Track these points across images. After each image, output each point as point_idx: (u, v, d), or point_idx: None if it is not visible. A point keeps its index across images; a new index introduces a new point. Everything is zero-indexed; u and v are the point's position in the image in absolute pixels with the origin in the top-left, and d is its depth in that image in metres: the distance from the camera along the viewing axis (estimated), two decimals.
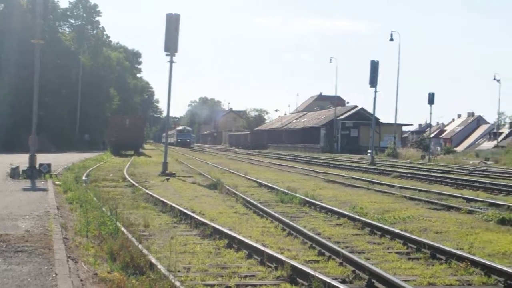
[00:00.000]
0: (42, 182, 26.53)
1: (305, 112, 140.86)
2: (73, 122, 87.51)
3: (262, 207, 19.31)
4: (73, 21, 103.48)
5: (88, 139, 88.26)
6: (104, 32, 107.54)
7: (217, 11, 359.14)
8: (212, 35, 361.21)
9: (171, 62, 37.38)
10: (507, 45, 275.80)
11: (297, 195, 22.50)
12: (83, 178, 29.19)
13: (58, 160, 43.03)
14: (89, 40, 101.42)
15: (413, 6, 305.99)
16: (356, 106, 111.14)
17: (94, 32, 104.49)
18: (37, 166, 29.75)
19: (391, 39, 79.37)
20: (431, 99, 67.86)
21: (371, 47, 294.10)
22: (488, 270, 10.72)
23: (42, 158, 33.89)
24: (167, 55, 37.29)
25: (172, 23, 36.83)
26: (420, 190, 26.69)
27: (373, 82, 56.96)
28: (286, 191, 23.90)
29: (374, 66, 56.99)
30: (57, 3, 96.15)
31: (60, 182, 26.33)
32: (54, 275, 9.29)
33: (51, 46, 76.52)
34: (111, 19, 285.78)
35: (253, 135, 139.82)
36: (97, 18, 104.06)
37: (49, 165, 30.71)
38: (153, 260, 10.49)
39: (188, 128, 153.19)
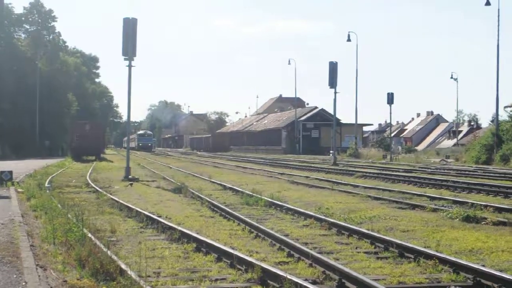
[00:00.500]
0: (4, 190, 26.19)
1: (265, 114, 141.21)
2: (33, 129, 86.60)
3: (228, 210, 19.29)
4: (28, 27, 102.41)
5: (49, 145, 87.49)
6: (61, 37, 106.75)
7: (175, 13, 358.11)
8: (170, 37, 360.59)
9: (130, 66, 37.18)
10: (463, 43, 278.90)
11: (263, 197, 22.50)
12: (46, 184, 28.90)
13: (19, 167, 42.57)
14: (45, 46, 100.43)
15: (370, 5, 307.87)
16: (316, 107, 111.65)
17: (50, 37, 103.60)
18: None
19: (349, 40, 79.95)
20: (390, 99, 68.36)
21: (329, 48, 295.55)
22: (457, 268, 10.79)
23: (2, 165, 33.63)
24: (125, 59, 37.11)
25: (130, 27, 36.71)
26: (384, 190, 26.90)
27: (332, 83, 57.35)
28: (251, 193, 23.90)
29: (333, 67, 57.33)
30: (12, 9, 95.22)
31: (22, 189, 26.01)
32: (24, 284, 9.18)
33: (7, 53, 75.83)
34: (67, 24, 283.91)
35: (214, 138, 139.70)
36: (52, 23, 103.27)
37: (10, 172, 30.32)
38: (123, 266, 10.41)
39: (149, 132, 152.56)
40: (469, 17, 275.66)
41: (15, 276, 9.69)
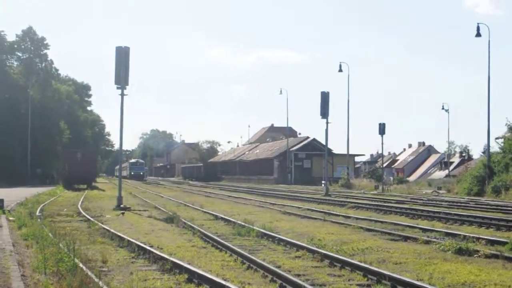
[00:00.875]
0: None
1: (257, 144, 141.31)
2: (24, 156, 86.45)
3: (220, 240, 19.23)
4: (20, 54, 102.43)
5: (40, 173, 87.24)
6: (53, 65, 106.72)
7: (167, 42, 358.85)
8: (161, 66, 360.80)
9: (122, 95, 37.12)
10: (454, 75, 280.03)
11: (254, 227, 22.41)
12: (37, 213, 28.84)
13: (10, 195, 42.42)
14: (37, 74, 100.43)
15: (360, 36, 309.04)
16: (308, 137, 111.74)
17: (43, 65, 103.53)
18: None
19: (340, 70, 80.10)
20: (382, 129, 68.41)
21: (320, 78, 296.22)
22: None
23: None
24: (118, 88, 37.09)
25: (122, 56, 36.76)
26: (376, 221, 26.86)
27: (324, 113, 57.39)
28: (243, 223, 23.83)
29: (325, 97, 57.43)
30: (4, 36, 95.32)
31: (13, 218, 25.90)
32: None
33: None
34: (59, 52, 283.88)
35: (206, 167, 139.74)
36: (45, 51, 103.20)
37: (1, 200, 30.25)
38: None
39: (141, 160, 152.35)
40: (461, 48, 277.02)
41: None
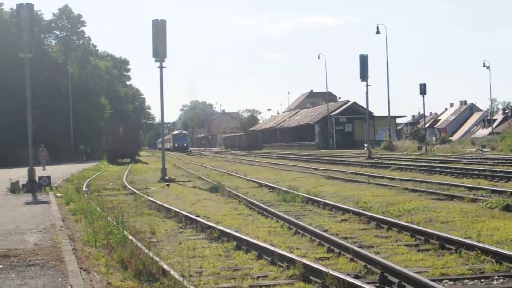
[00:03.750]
0: (44, 195, 26.48)
1: (297, 110, 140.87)
2: (67, 134, 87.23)
3: (266, 207, 19.33)
4: (58, 33, 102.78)
5: (84, 149, 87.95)
6: (90, 42, 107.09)
7: (203, 15, 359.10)
8: (198, 38, 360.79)
9: (161, 67, 37.36)
10: (494, 32, 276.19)
11: (299, 193, 22.50)
12: (84, 188, 29.22)
13: (56, 172, 42.93)
14: (76, 51, 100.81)
15: None
16: (348, 101, 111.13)
17: (80, 42, 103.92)
18: (36, 179, 29.66)
19: (378, 32, 79.53)
20: (423, 90, 67.84)
21: (357, 42, 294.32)
22: (499, 258, 10.73)
23: (40, 171, 33.92)
24: (156, 61, 37.28)
25: (159, 29, 36.84)
26: (421, 182, 26.79)
27: (363, 76, 56.95)
28: (288, 190, 23.92)
29: (364, 60, 56.96)
30: (41, 16, 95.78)
31: (61, 194, 26.25)
32: (69, 287, 9.28)
33: (38, 59, 76.17)
34: (96, 28, 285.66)
35: (247, 136, 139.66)
36: (82, 28, 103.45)
37: (48, 177, 30.62)
38: (165, 267, 10.46)
39: (184, 131, 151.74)
40: (501, 4, 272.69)
41: (60, 279, 9.79)
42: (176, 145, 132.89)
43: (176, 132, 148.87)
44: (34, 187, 28.67)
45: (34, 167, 29.90)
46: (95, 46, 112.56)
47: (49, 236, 14.33)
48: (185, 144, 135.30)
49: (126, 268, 10.85)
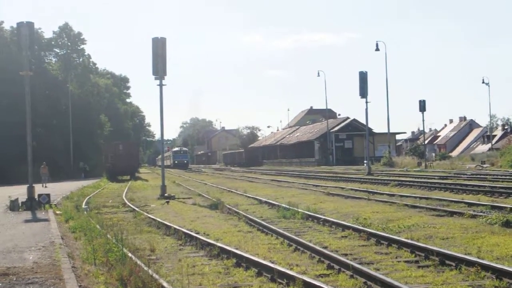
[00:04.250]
0: (43, 213, 26.46)
1: (297, 127, 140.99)
2: (67, 151, 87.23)
3: (266, 224, 19.32)
4: (58, 51, 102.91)
5: (83, 166, 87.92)
6: (90, 60, 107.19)
7: (203, 32, 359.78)
8: (198, 55, 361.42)
9: (161, 85, 37.43)
10: (493, 48, 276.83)
11: (299, 210, 22.52)
12: (83, 206, 29.19)
13: (56, 190, 42.91)
14: (75, 69, 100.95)
15: (396, 15, 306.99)
16: (348, 118, 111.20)
17: (80, 60, 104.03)
18: (36, 197, 29.62)
19: (377, 49, 79.62)
20: (422, 106, 68.07)
21: (356, 59, 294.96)
22: (499, 274, 10.73)
23: (39, 188, 33.90)
24: (156, 78, 37.36)
25: (159, 47, 36.94)
26: (420, 198, 26.80)
27: (363, 93, 57.19)
28: (288, 206, 23.92)
29: (363, 77, 57.19)
30: (41, 34, 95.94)
31: (60, 212, 26.23)
32: None
33: (38, 77, 76.40)
34: (96, 46, 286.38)
35: (247, 153, 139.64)
36: (82, 46, 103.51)
37: (48, 195, 30.59)
38: (165, 284, 10.42)
39: (184, 148, 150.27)
40: (499, 21, 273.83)
41: None
42: (176, 162, 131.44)
43: (176, 149, 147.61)
44: (34, 205, 28.63)
45: (33, 185, 29.84)
46: (95, 64, 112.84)
47: (48, 254, 14.31)
48: (186, 161, 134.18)
49: (126, 286, 10.85)
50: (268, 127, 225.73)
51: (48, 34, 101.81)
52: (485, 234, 15.80)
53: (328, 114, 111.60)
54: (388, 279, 10.26)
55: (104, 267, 12.86)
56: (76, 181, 65.40)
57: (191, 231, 18.24)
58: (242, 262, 13.01)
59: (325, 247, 14.76)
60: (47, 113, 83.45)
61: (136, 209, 27.50)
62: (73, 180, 67.26)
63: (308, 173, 63.37)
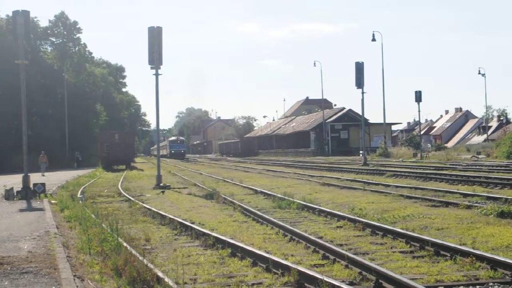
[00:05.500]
0: (38, 202, 26.42)
1: (293, 117, 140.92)
2: (63, 140, 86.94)
3: (261, 214, 19.30)
4: (54, 39, 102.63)
5: (79, 156, 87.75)
6: (86, 49, 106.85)
7: (199, 21, 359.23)
8: (195, 45, 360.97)
9: (157, 74, 37.33)
10: (489, 38, 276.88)
11: (295, 200, 22.50)
12: (79, 195, 29.16)
13: (51, 179, 42.90)
14: (71, 58, 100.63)
15: (393, 4, 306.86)
16: (344, 108, 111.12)
17: (76, 49, 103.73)
18: (31, 186, 29.57)
19: (373, 39, 79.68)
20: (418, 97, 68.19)
21: (353, 49, 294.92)
22: (494, 264, 10.73)
23: (34, 177, 33.85)
24: (152, 68, 37.25)
25: (155, 36, 36.83)
26: (416, 188, 26.82)
27: (359, 83, 57.09)
28: (283, 196, 23.88)
29: (359, 67, 57.10)
30: (37, 22, 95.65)
31: (56, 201, 26.21)
32: None
33: (34, 66, 76.32)
34: (92, 35, 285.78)
35: (243, 143, 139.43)
36: (78, 35, 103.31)
37: (43, 184, 30.54)
38: (160, 274, 10.40)
39: (181, 138, 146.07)
40: (495, 11, 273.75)
41: (53, 287, 9.75)
42: (173, 151, 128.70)
43: (173, 138, 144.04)
44: (29, 194, 28.57)
45: (29, 174, 29.76)
46: (90, 53, 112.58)
47: (43, 243, 14.29)
48: (183, 151, 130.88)
49: (120, 276, 10.81)
50: (264, 117, 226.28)
51: (44, 23, 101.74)
52: (480, 224, 15.83)
53: (324, 104, 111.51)
54: (383, 269, 10.25)
55: (99, 257, 12.84)
56: (71, 170, 65.37)
57: (186, 221, 18.21)
58: (237, 252, 13.00)
59: (320, 237, 14.76)
60: (42, 102, 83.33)
61: (132, 198, 27.47)
62: (68, 170, 67.20)
63: (303, 163, 63.38)
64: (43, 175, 49.34)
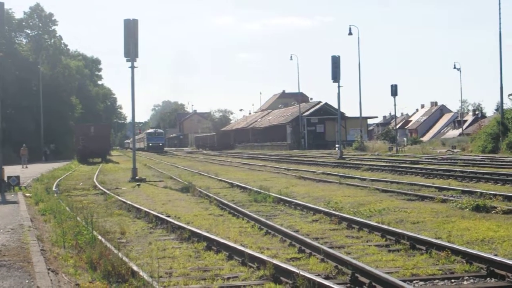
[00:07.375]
0: (12, 195, 26.24)
1: (269, 110, 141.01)
2: (37, 133, 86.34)
3: (237, 207, 19.29)
4: (29, 31, 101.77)
5: (54, 149, 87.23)
6: (62, 41, 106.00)
7: (174, 14, 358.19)
8: (170, 38, 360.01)
9: (133, 67, 37.14)
10: (465, 33, 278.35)
11: (271, 193, 22.49)
12: (54, 188, 28.95)
13: (26, 172, 42.68)
14: (47, 50, 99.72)
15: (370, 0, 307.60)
16: (320, 102, 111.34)
17: (52, 41, 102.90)
18: (5, 179, 29.32)
19: (350, 33, 79.74)
20: (394, 91, 68.42)
21: (329, 43, 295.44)
22: (470, 258, 10.74)
23: (9, 170, 33.57)
24: (127, 60, 37.06)
25: (130, 29, 36.65)
26: (392, 182, 26.91)
27: (335, 77, 57.21)
28: (259, 190, 23.85)
29: (335, 61, 57.21)
30: (12, 14, 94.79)
31: (30, 194, 26.03)
32: None
33: (9, 58, 75.63)
34: (68, 28, 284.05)
35: (219, 136, 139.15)
36: (53, 27, 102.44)
37: (17, 177, 30.34)
38: (135, 268, 10.34)
39: (160, 130, 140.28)
40: (470, 7, 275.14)
41: (27, 281, 9.66)
42: (150, 144, 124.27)
43: (150, 130, 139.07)
44: (3, 187, 28.32)
45: (2, 166, 29.48)
46: (66, 45, 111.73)
47: (17, 236, 14.16)
48: (161, 144, 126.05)
49: (95, 269, 10.73)
50: (241, 110, 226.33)
51: (19, 14, 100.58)
52: (455, 218, 15.88)
53: (301, 98, 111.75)
54: (359, 263, 10.24)
55: (73, 250, 12.75)
56: (46, 163, 64.99)
57: (162, 214, 18.17)
58: (213, 245, 12.95)
59: (296, 231, 14.74)
60: (17, 94, 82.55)
61: (107, 191, 27.35)
62: (43, 162, 66.80)
63: (280, 157, 63.40)
64: (26, 167, 49.22)
